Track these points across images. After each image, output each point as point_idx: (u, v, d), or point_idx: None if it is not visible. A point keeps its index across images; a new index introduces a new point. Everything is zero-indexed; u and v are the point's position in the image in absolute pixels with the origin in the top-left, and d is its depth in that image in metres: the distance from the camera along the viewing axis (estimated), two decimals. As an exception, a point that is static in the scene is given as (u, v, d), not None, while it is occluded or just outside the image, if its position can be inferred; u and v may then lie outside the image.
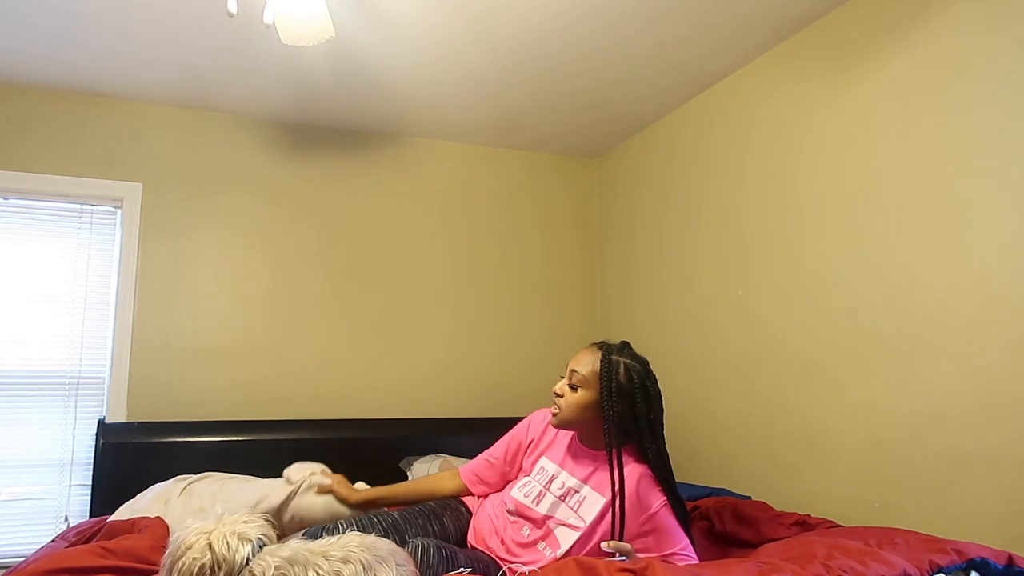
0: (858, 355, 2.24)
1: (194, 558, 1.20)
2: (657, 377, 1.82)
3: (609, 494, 1.69)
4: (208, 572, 1.20)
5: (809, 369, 2.42)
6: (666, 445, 1.79)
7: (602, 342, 1.87)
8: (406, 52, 2.68)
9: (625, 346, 1.85)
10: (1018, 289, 1.80)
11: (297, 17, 2.08)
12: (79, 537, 1.94)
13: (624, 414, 1.73)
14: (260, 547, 1.26)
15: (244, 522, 1.27)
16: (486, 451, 2.14)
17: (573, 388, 1.81)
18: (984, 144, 1.91)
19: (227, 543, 1.22)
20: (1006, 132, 1.85)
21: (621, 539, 1.63)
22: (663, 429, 1.79)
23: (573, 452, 1.87)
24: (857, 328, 2.24)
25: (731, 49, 2.66)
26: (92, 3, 2.35)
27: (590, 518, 1.72)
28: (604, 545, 1.58)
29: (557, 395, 1.85)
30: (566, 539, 1.73)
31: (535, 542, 1.78)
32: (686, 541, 1.72)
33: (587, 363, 1.80)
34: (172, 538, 1.27)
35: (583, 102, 3.15)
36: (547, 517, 1.78)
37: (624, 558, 1.54)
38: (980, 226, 1.91)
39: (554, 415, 1.86)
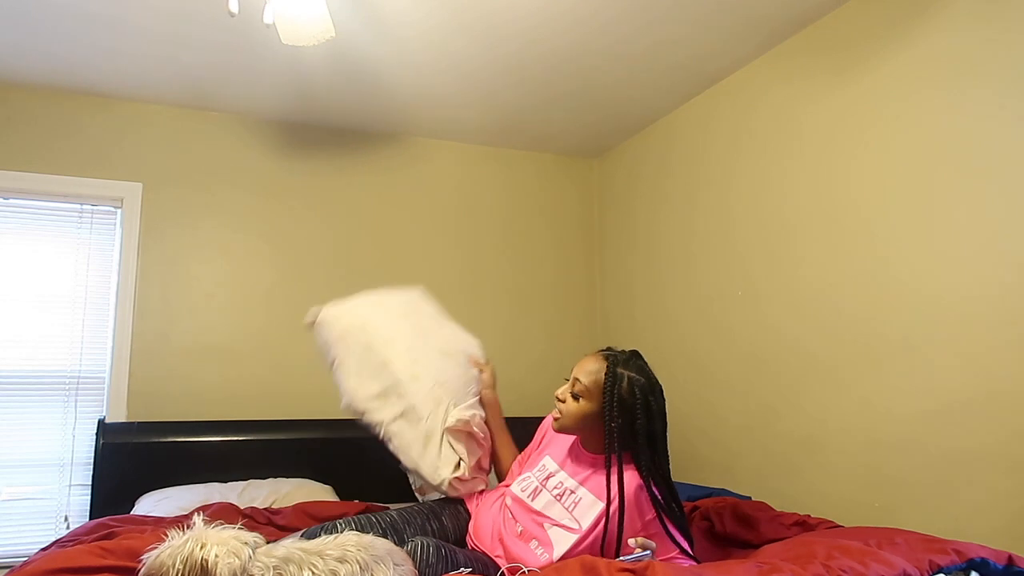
0: (858, 355, 2.23)
1: (228, 562, 1.18)
2: (663, 388, 1.79)
3: (606, 499, 1.69)
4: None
5: (809, 369, 2.41)
6: (668, 458, 1.77)
7: (609, 350, 1.83)
8: (406, 52, 2.68)
9: (632, 357, 1.81)
10: (1019, 289, 1.80)
11: (297, 17, 2.08)
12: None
13: (624, 428, 1.72)
14: (252, 550, 1.25)
15: (238, 528, 1.27)
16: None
17: (575, 397, 1.80)
18: (983, 144, 1.90)
19: (238, 547, 1.21)
20: (1005, 132, 1.85)
21: (618, 547, 1.63)
22: (665, 443, 1.77)
23: (574, 454, 1.87)
24: (857, 328, 2.24)
25: (731, 49, 2.66)
26: (92, 3, 2.35)
27: (587, 522, 1.71)
28: (631, 541, 1.59)
29: (559, 400, 1.84)
30: (560, 541, 1.72)
31: (527, 539, 1.77)
32: (685, 546, 1.71)
33: (591, 373, 1.78)
34: (156, 555, 1.22)
35: (584, 102, 3.15)
36: (540, 514, 1.78)
37: (648, 552, 1.54)
38: (980, 226, 1.90)
39: (556, 419, 1.85)
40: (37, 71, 2.84)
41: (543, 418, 2.09)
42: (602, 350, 1.85)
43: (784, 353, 2.52)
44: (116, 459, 2.75)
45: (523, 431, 2.20)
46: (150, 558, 1.21)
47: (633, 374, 1.75)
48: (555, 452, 1.93)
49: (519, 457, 2.13)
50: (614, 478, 1.67)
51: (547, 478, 1.86)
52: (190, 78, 2.91)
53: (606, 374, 1.75)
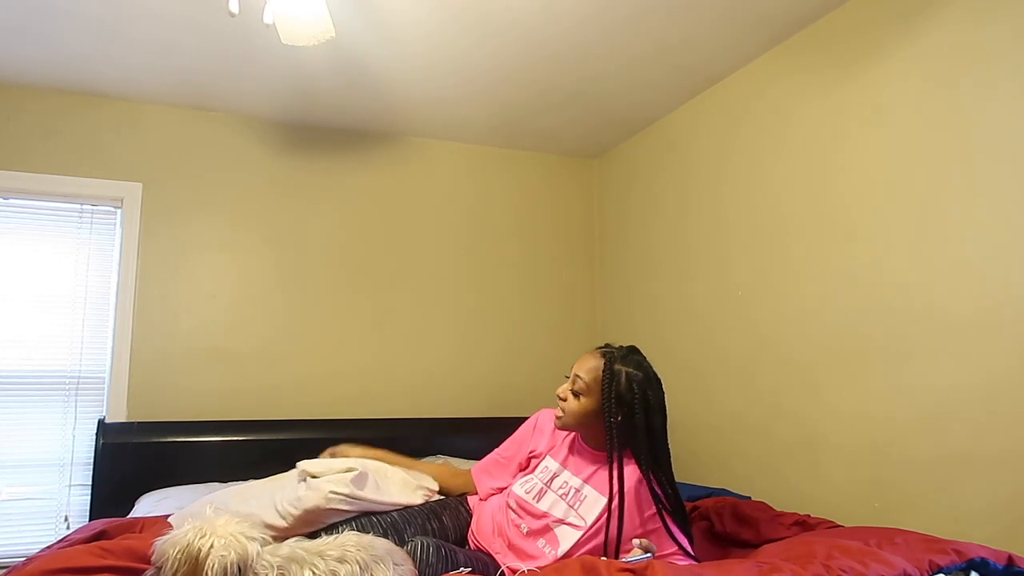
0: (856, 356, 2.23)
1: (222, 555, 1.19)
2: (662, 381, 1.80)
3: (608, 495, 1.70)
4: (235, 570, 1.18)
5: (809, 368, 2.41)
6: (669, 451, 1.78)
7: (607, 347, 1.84)
8: (406, 53, 2.68)
9: (630, 352, 1.82)
10: (1013, 291, 1.80)
11: (297, 17, 2.08)
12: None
13: (623, 423, 1.73)
14: (260, 546, 1.26)
15: (238, 523, 1.27)
16: (496, 451, 2.13)
17: (576, 395, 1.81)
18: (976, 146, 1.90)
19: (239, 541, 1.21)
20: (995, 134, 1.84)
21: (619, 543, 1.63)
22: (665, 437, 1.78)
23: (576, 451, 1.88)
24: (856, 330, 2.24)
25: (731, 50, 2.66)
26: (92, 4, 2.35)
27: (591, 518, 1.72)
28: (634, 542, 1.61)
29: (560, 399, 1.85)
30: (566, 538, 1.73)
31: (534, 538, 1.78)
32: (685, 543, 1.72)
33: (590, 370, 1.79)
34: (163, 541, 1.24)
35: (584, 103, 3.15)
36: (546, 514, 1.79)
37: (649, 555, 1.55)
38: (974, 229, 1.90)
39: (558, 418, 1.86)
40: (37, 71, 2.84)
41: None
42: (601, 347, 1.86)
43: (783, 353, 2.52)
44: (116, 459, 2.75)
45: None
46: (159, 542, 1.22)
47: (630, 369, 1.76)
48: (556, 453, 1.93)
49: (486, 464, 2.10)
50: (614, 474, 1.68)
51: (551, 479, 1.86)
52: (190, 78, 2.91)
53: (603, 371, 1.76)
